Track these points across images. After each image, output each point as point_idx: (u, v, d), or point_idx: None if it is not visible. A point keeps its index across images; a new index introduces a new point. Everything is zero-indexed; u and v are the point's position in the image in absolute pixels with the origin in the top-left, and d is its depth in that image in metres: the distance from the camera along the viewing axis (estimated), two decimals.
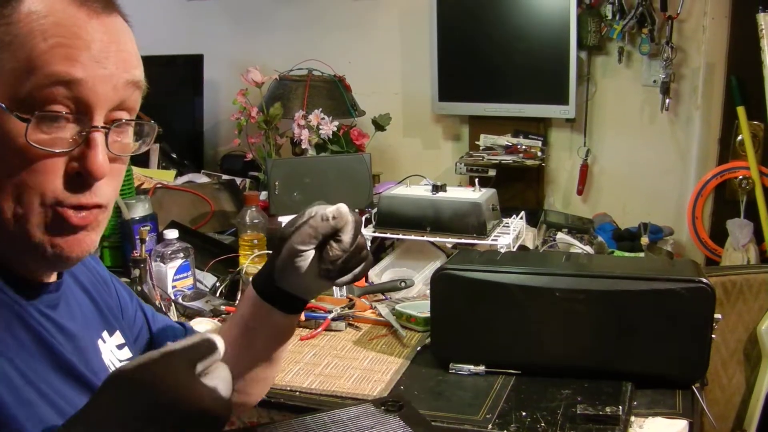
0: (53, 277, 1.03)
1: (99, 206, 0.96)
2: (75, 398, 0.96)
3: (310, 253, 1.18)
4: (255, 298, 1.25)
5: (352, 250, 1.17)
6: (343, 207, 1.17)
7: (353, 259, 1.18)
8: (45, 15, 0.90)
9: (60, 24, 0.90)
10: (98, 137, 0.93)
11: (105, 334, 1.13)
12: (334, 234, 1.16)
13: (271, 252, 1.27)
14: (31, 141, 0.88)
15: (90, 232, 0.97)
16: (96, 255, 1.04)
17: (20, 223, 0.91)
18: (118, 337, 1.16)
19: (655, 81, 3.32)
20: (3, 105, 0.88)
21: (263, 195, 2.84)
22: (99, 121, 0.93)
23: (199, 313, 2.18)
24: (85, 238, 0.96)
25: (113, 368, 1.09)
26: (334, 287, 2.23)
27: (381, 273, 2.50)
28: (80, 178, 0.93)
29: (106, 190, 0.96)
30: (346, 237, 1.16)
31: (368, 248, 1.23)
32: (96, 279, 1.21)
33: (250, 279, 1.28)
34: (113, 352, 1.13)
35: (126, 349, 1.17)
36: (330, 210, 1.16)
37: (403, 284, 2.34)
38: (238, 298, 2.30)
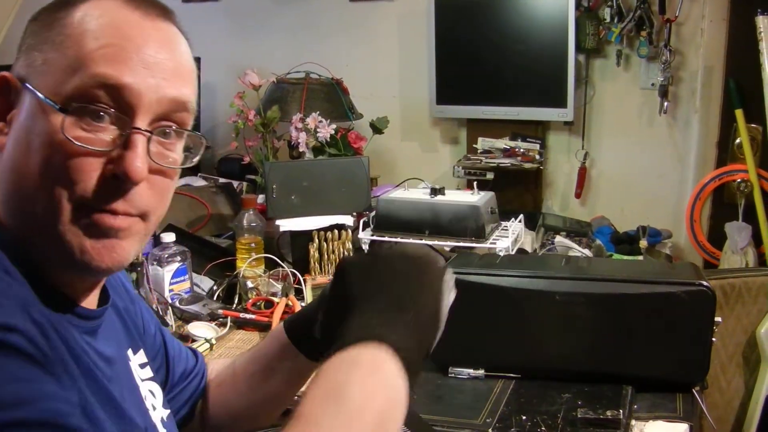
0: (94, 303, 1.00)
1: (132, 214, 0.92)
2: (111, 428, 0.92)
3: None
4: (284, 340, 1.25)
5: None
6: None
7: None
8: (99, 16, 0.89)
9: (113, 24, 0.89)
10: (138, 139, 0.90)
11: (130, 351, 1.11)
12: None
13: (311, 301, 1.30)
14: (68, 135, 0.86)
15: (123, 240, 0.92)
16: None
17: (51, 221, 0.88)
18: (141, 356, 1.14)
19: (653, 84, 3.32)
20: (43, 96, 0.87)
21: (261, 198, 2.83)
22: (142, 124, 0.90)
23: (196, 317, 2.17)
24: (117, 246, 0.91)
25: (140, 387, 1.08)
26: None
27: None
28: (116, 181, 0.89)
29: (144, 200, 0.92)
30: None
31: None
32: (125, 297, 1.18)
33: (282, 322, 1.29)
34: (137, 370, 1.11)
35: (148, 367, 1.15)
36: None
37: None
38: (235, 301, 2.29)
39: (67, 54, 0.88)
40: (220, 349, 2.03)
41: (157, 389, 1.15)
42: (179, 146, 0.98)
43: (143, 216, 0.93)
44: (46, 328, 0.81)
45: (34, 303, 0.83)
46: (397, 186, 2.84)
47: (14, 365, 0.74)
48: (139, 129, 0.90)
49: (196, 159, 1.02)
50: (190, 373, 1.34)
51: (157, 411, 1.12)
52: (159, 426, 1.09)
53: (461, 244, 2.40)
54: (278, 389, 1.29)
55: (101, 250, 0.90)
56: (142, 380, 1.11)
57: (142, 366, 1.13)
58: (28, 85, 0.89)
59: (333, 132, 3.09)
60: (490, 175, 3.30)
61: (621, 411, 1.56)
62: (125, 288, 1.20)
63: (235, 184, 3.36)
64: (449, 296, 1.09)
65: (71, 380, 0.82)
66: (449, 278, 1.08)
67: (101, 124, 0.88)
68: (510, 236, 2.41)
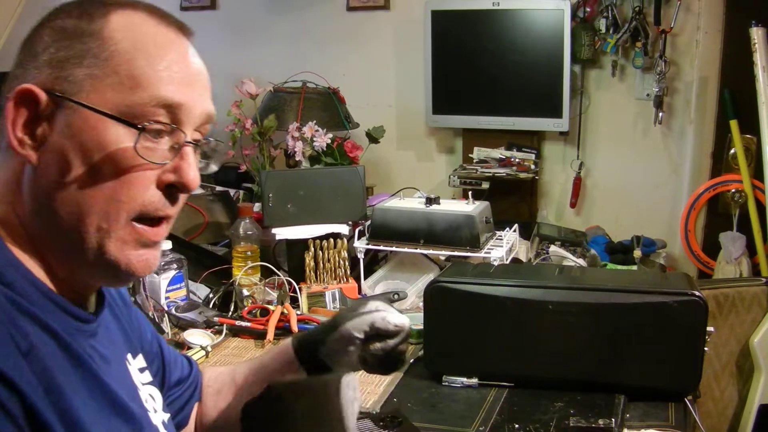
0: (93, 306, 1.03)
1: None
2: (122, 428, 0.96)
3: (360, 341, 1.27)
4: (289, 355, 1.31)
5: (394, 353, 1.28)
6: (406, 321, 1.28)
7: (392, 358, 1.29)
8: (140, 32, 0.93)
9: (157, 43, 0.94)
10: (190, 152, 0.97)
11: (129, 356, 1.13)
12: (385, 334, 1.27)
13: (322, 323, 1.37)
14: (139, 151, 0.91)
15: (157, 249, 0.99)
16: None
17: (101, 238, 0.92)
18: (140, 360, 1.17)
19: (648, 94, 3.33)
20: (111, 114, 0.90)
21: (257, 207, 2.84)
22: (190, 137, 0.97)
23: (192, 324, 2.18)
24: (155, 258, 0.99)
25: (140, 390, 1.10)
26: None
27: (374, 285, 2.51)
28: (170, 190, 0.96)
29: (181, 203, 1.01)
30: (392, 342, 1.27)
31: (407, 355, 1.38)
32: (121, 302, 1.21)
33: (290, 339, 1.34)
34: (137, 374, 1.13)
35: (147, 372, 1.17)
36: (394, 320, 1.27)
37: (396, 296, 2.34)
38: (231, 309, 2.30)
39: (119, 71, 0.91)
40: (216, 357, 2.03)
41: (156, 393, 1.17)
42: (198, 153, 1.04)
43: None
44: (39, 349, 0.85)
45: (40, 317, 0.89)
46: (393, 195, 2.85)
47: None
48: (190, 142, 0.97)
49: (217, 166, 1.10)
50: (185, 380, 1.35)
51: (158, 414, 1.13)
52: (161, 428, 1.11)
53: (456, 253, 2.41)
54: None
55: (144, 262, 0.97)
56: (143, 384, 1.13)
57: (141, 370, 1.15)
58: (77, 100, 0.90)
59: (329, 141, 3.09)
60: (485, 185, 3.31)
61: (613, 420, 1.57)
62: (120, 294, 1.22)
63: (232, 192, 3.36)
64: (353, 405, 1.10)
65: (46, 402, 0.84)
66: (349, 384, 1.10)
67: (158, 139, 0.94)
68: (504, 246, 2.42)
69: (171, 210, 0.97)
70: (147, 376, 1.16)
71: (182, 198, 0.99)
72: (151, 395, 1.14)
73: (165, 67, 0.93)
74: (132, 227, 0.94)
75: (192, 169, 0.96)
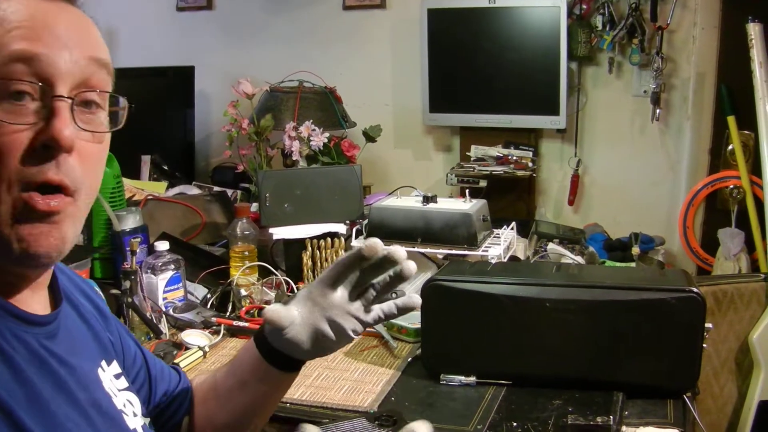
0: (47, 309, 1.01)
1: (67, 189, 0.91)
2: (82, 428, 0.94)
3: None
4: (255, 353, 1.25)
5: None
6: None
7: None
8: (6, 6, 0.88)
9: (21, 11, 0.88)
10: (62, 106, 0.89)
11: (103, 363, 1.11)
12: None
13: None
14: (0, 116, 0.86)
15: (59, 225, 0.91)
16: (91, 279, 1.02)
17: None
18: (115, 367, 1.14)
19: (645, 91, 3.33)
20: None
21: (254, 206, 2.84)
22: (63, 92, 0.90)
23: (190, 325, 2.17)
24: (53, 231, 0.90)
25: (114, 397, 1.08)
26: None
27: None
28: (47, 151, 0.88)
29: (75, 172, 0.91)
30: None
31: None
32: (95, 310, 1.19)
33: (254, 335, 1.27)
34: (112, 381, 1.11)
35: (123, 378, 1.15)
36: None
37: (393, 295, 2.33)
38: (229, 309, 2.30)
39: None
40: (214, 357, 2.03)
41: (134, 398, 1.15)
42: (103, 114, 0.97)
43: (75, 194, 0.92)
44: None
45: None
46: (390, 194, 2.85)
47: None
48: (61, 96, 0.89)
49: (122, 123, 1.01)
50: (173, 391, 1.33)
51: (138, 418, 1.12)
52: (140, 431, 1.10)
53: (453, 251, 2.40)
54: (256, 400, 1.28)
55: (39, 236, 0.89)
56: (119, 390, 1.11)
57: (117, 376, 1.14)
58: None
59: (326, 140, 3.09)
60: (483, 183, 3.31)
61: (611, 417, 1.56)
62: (97, 306, 1.20)
63: (229, 192, 3.36)
64: None
65: None
66: None
67: (24, 102, 0.88)
68: (502, 244, 2.42)
69: (56, 174, 0.89)
70: (123, 382, 1.14)
71: (69, 160, 0.90)
72: (129, 401, 1.13)
73: (23, 27, 0.87)
74: (18, 197, 0.87)
75: (64, 126, 0.88)
